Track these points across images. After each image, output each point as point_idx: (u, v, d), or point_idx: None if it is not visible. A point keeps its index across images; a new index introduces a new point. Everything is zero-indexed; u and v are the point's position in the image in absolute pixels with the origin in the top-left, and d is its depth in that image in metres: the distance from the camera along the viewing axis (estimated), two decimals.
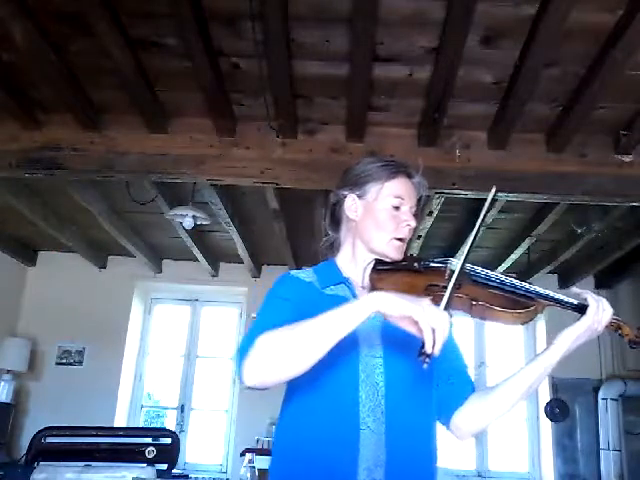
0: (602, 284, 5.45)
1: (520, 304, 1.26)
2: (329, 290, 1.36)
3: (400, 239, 1.39)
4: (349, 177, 1.46)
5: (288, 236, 4.40)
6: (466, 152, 2.98)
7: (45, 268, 5.60)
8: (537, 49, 2.30)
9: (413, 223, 1.40)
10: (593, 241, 4.28)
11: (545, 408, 5.21)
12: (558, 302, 1.29)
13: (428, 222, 3.93)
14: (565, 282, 5.49)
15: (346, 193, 1.44)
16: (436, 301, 1.21)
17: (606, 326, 1.27)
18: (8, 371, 5.03)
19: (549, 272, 5.20)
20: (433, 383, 1.36)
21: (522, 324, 1.29)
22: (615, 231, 4.18)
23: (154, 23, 2.40)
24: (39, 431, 3.81)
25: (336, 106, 2.85)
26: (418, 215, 1.44)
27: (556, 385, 5.29)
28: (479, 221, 1.33)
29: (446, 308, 1.15)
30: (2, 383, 4.97)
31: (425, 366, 1.07)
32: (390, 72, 2.60)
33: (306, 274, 1.41)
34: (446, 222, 4.31)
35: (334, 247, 1.50)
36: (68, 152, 3.00)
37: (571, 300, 1.29)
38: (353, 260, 1.43)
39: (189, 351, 5.75)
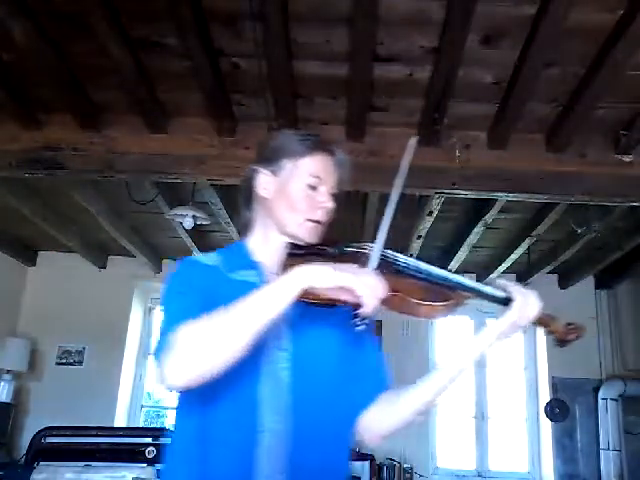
0: (602, 284, 5.45)
1: (441, 296, 1.16)
2: (237, 275, 1.23)
3: (315, 221, 1.27)
4: (263, 151, 1.34)
5: None
6: (466, 152, 2.98)
7: (45, 268, 5.60)
8: (537, 49, 2.30)
9: (330, 204, 1.28)
10: (593, 241, 4.28)
11: (545, 408, 5.22)
12: (481, 295, 1.19)
13: (428, 222, 3.93)
14: (565, 282, 5.50)
15: (259, 169, 1.31)
16: None
17: (533, 322, 1.18)
18: (8, 371, 5.02)
19: (549, 272, 5.20)
20: (345, 380, 1.25)
21: (440, 317, 1.19)
22: (615, 231, 4.18)
23: (154, 23, 2.40)
24: (39, 431, 3.82)
25: (336, 106, 2.85)
26: (337, 197, 1.31)
27: (556, 385, 5.29)
28: (395, 193, 1.22)
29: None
30: (2, 383, 4.97)
31: (361, 327, 1.03)
32: (390, 72, 2.60)
33: (211, 258, 1.27)
34: (446, 222, 4.31)
35: (245, 228, 1.36)
36: (68, 152, 3.00)
37: (495, 293, 1.19)
38: (265, 243, 1.30)
39: None
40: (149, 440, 3.88)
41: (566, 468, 5.17)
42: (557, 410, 5.17)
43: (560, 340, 1.23)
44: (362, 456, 4.85)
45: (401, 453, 5.06)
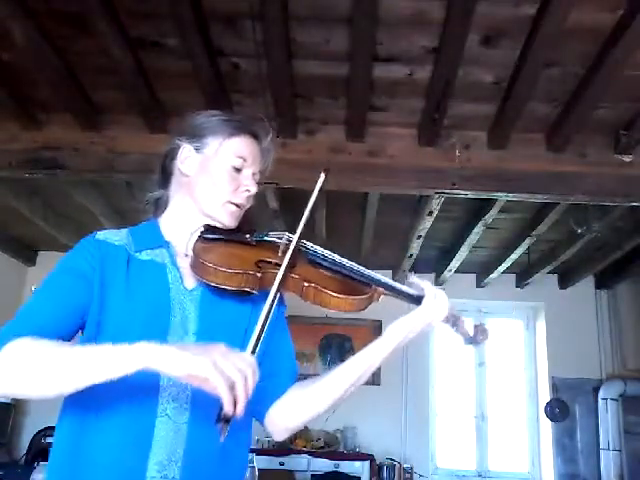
0: (602, 284, 5.45)
1: (355, 290, 1.14)
2: (145, 255, 1.17)
3: (236, 205, 1.23)
4: (189, 126, 1.28)
5: None
6: (466, 152, 2.98)
7: (45, 268, 5.48)
8: (537, 49, 2.30)
9: (253, 189, 1.24)
10: (593, 241, 4.28)
11: (545, 408, 5.22)
12: (395, 291, 1.17)
13: (428, 222, 3.93)
14: (565, 282, 5.50)
15: (182, 143, 1.26)
16: (267, 282, 1.10)
17: (442, 320, 1.17)
18: None
19: (549, 272, 5.20)
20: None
21: (354, 311, 1.15)
22: (615, 231, 4.18)
23: (154, 23, 2.40)
24: (39, 431, 3.82)
25: (336, 106, 2.85)
26: (261, 184, 1.28)
27: (556, 385, 5.29)
28: (311, 201, 1.19)
29: (278, 289, 1.05)
30: None
31: (223, 437, 0.88)
32: (390, 72, 2.60)
33: (118, 236, 1.20)
34: (446, 222, 4.31)
35: (159, 205, 1.30)
36: (68, 152, 3.00)
37: (409, 290, 1.17)
38: (179, 222, 1.24)
39: None
40: None
41: (566, 468, 5.18)
42: (557, 410, 5.17)
43: (468, 339, 1.21)
44: (362, 456, 4.86)
45: (401, 453, 5.06)
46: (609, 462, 5.02)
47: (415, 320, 1.15)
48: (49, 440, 3.82)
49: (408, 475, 4.99)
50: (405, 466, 5.01)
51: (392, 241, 4.68)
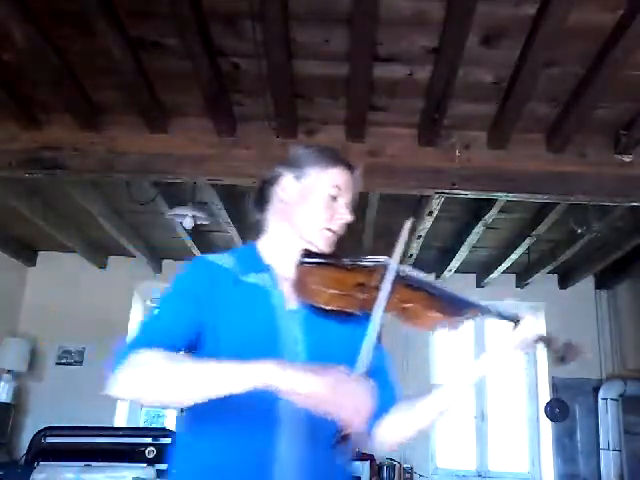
0: (602, 284, 5.45)
1: (451, 311, 1.21)
2: (250, 278, 1.25)
3: (332, 231, 1.31)
4: (289, 157, 1.37)
5: None
6: (466, 152, 2.98)
7: (45, 268, 5.60)
8: (537, 49, 2.30)
9: (349, 218, 1.32)
10: (593, 241, 4.28)
11: (545, 408, 5.22)
12: (489, 313, 1.24)
13: (428, 222, 3.93)
14: (565, 282, 5.50)
15: (283, 172, 1.34)
16: (367, 303, 1.16)
17: (535, 340, 1.25)
18: (8, 371, 5.02)
19: (549, 272, 5.20)
20: None
21: (452, 330, 1.21)
22: (615, 231, 4.18)
23: (154, 23, 2.40)
24: (39, 431, 3.82)
25: (336, 106, 2.85)
26: (352, 212, 1.35)
27: (556, 385, 5.29)
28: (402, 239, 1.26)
29: (383, 310, 1.10)
30: (2, 383, 4.97)
31: (341, 459, 0.95)
32: (390, 72, 2.60)
33: (224, 259, 1.28)
34: (446, 222, 4.31)
35: (257, 230, 1.37)
36: (68, 152, 3.00)
37: (504, 313, 1.24)
38: (278, 246, 1.32)
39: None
40: (149, 440, 3.88)
41: (566, 468, 5.17)
42: (557, 410, 5.17)
43: (560, 358, 1.28)
44: (362, 456, 4.85)
45: (401, 453, 5.05)
46: (609, 462, 5.01)
47: (517, 338, 1.23)
48: (49, 440, 3.82)
49: (408, 475, 4.99)
50: (405, 466, 5.01)
51: (392, 241, 4.67)
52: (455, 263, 4.84)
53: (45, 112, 3.00)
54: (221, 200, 3.77)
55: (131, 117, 2.96)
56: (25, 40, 2.41)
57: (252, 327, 1.17)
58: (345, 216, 1.31)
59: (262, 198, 1.37)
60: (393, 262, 1.18)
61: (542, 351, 4.63)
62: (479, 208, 3.91)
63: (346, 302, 1.18)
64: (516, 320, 1.22)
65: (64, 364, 5.37)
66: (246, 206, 4.18)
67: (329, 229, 1.30)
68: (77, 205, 4.08)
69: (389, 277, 1.15)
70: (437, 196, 3.36)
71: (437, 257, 5.09)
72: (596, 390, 5.22)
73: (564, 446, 5.22)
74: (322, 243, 1.30)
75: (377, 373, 1.27)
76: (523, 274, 5.37)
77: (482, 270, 5.32)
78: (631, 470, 4.94)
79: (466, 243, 4.40)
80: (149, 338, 1.11)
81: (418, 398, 1.28)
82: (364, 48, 2.38)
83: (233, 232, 4.39)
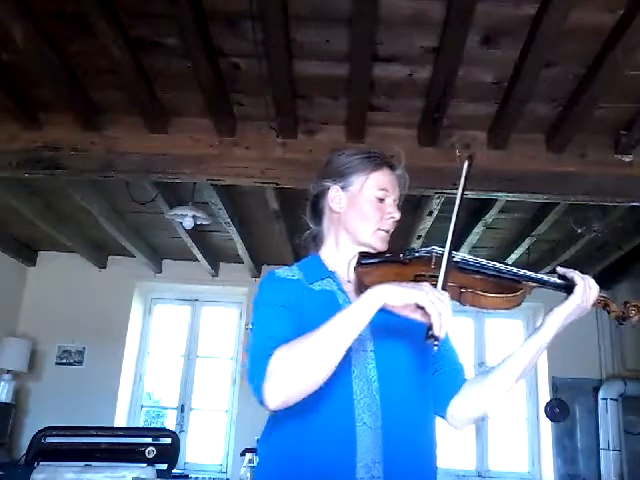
0: (602, 284, 5.41)
1: (507, 288, 1.26)
2: (316, 286, 1.34)
3: (385, 230, 1.39)
4: (332, 168, 1.44)
5: (288, 236, 4.41)
6: (466, 152, 2.98)
7: (45, 268, 5.59)
8: (537, 49, 2.30)
9: (397, 215, 1.40)
10: (593, 241, 4.28)
11: (545, 408, 5.21)
12: (545, 283, 1.30)
13: (428, 222, 3.93)
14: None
15: (329, 184, 1.41)
16: None
17: (593, 304, 1.28)
18: (8, 371, 5.02)
19: (549, 272, 5.20)
20: (427, 373, 1.34)
21: (511, 308, 1.27)
22: (615, 231, 4.18)
23: (154, 23, 2.40)
24: (39, 431, 3.81)
25: (336, 106, 2.85)
26: (400, 208, 1.44)
27: (556, 385, 5.29)
28: (458, 198, 1.32)
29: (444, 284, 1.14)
30: (2, 383, 4.97)
31: (435, 349, 1.06)
32: (390, 72, 2.60)
33: (292, 272, 1.37)
34: (446, 222, 4.28)
35: (317, 241, 1.47)
36: (68, 152, 3.00)
37: (557, 280, 1.30)
38: (337, 253, 1.41)
39: (189, 351, 5.75)
40: (149, 440, 3.88)
41: (566, 468, 5.17)
42: (557, 410, 5.17)
43: (620, 317, 1.30)
44: None
45: None
46: (609, 462, 5.01)
47: (570, 307, 1.26)
48: (49, 440, 3.81)
49: None
50: None
51: (392, 241, 4.67)
52: (475, 257, 4.82)
53: (45, 112, 3.01)
54: (221, 200, 3.77)
55: (131, 117, 2.96)
56: (25, 40, 2.41)
57: None
58: (394, 214, 1.39)
59: (316, 211, 1.46)
60: (446, 249, 1.23)
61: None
62: (479, 208, 3.91)
63: (405, 310, 1.20)
64: (570, 287, 1.26)
65: (64, 364, 5.37)
66: (247, 206, 4.18)
67: (382, 229, 1.38)
68: (77, 205, 4.09)
69: (444, 264, 1.19)
70: (437, 196, 3.36)
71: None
72: (596, 390, 5.22)
73: (564, 446, 5.22)
74: (378, 244, 1.38)
75: (445, 356, 1.39)
76: None
77: None
78: (631, 470, 4.95)
79: (466, 243, 4.40)
80: (271, 346, 1.14)
81: (486, 372, 1.34)
82: (364, 48, 2.38)
83: (233, 232, 4.39)
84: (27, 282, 5.57)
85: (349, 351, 1.18)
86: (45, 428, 3.83)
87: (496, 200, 3.45)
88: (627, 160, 2.98)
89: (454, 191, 3.00)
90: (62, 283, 5.46)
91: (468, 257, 1.33)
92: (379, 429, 1.19)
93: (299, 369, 1.10)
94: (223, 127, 2.98)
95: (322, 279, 1.35)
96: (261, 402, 1.11)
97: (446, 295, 1.08)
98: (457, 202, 1.31)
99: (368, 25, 2.26)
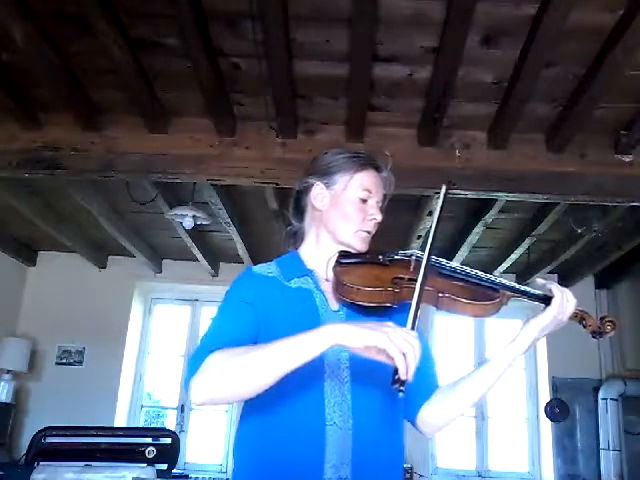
0: (602, 284, 5.45)
1: (485, 296, 1.25)
2: (293, 283, 1.33)
3: (366, 231, 1.38)
4: (317, 165, 1.43)
5: None
6: (466, 152, 2.98)
7: (45, 268, 5.59)
8: (537, 49, 2.30)
9: (379, 217, 1.39)
10: (593, 241, 4.28)
11: (545, 408, 5.21)
12: (523, 293, 1.29)
13: (428, 222, 3.93)
14: (565, 282, 5.49)
15: (313, 181, 1.41)
16: (405, 295, 1.22)
17: (570, 317, 1.27)
18: (8, 371, 5.02)
19: (549, 272, 5.20)
20: None
21: (487, 316, 1.27)
22: (615, 231, 4.18)
23: (154, 23, 2.40)
24: (39, 431, 3.82)
25: (336, 106, 2.85)
26: (383, 210, 1.42)
27: (556, 385, 5.29)
28: (436, 213, 1.32)
29: (417, 303, 1.13)
30: (2, 383, 4.97)
31: (401, 395, 1.00)
32: (390, 72, 2.60)
33: (269, 268, 1.37)
34: (446, 222, 4.31)
35: (297, 238, 1.47)
36: (68, 152, 3.00)
37: (536, 291, 1.29)
38: (317, 251, 1.40)
39: (189, 351, 5.73)
40: (149, 440, 3.88)
41: (566, 468, 5.17)
42: (557, 410, 5.17)
43: (595, 332, 1.30)
44: None
45: None
46: (609, 462, 5.01)
47: (547, 320, 1.25)
48: (49, 440, 3.81)
49: (408, 475, 4.99)
50: (405, 466, 5.01)
51: (392, 241, 4.68)
52: (455, 263, 4.83)
53: (45, 112, 3.00)
54: (221, 200, 3.77)
55: (131, 117, 2.96)
56: (25, 40, 2.41)
57: (298, 328, 1.19)
58: (376, 216, 1.38)
59: (298, 208, 1.46)
60: (426, 253, 1.22)
61: (542, 350, 4.60)
62: (479, 208, 3.90)
63: (384, 297, 1.23)
64: (548, 299, 1.25)
65: (64, 364, 5.37)
66: (247, 206, 4.18)
67: (363, 230, 1.37)
68: (77, 205, 4.08)
69: (423, 268, 1.18)
70: (437, 196, 3.36)
71: (437, 257, 5.07)
72: (596, 390, 5.22)
73: (564, 446, 5.22)
74: (358, 244, 1.37)
75: (420, 361, 1.32)
76: (523, 274, 5.37)
77: (482, 270, 5.27)
78: (631, 470, 4.94)
79: (466, 243, 4.40)
80: (216, 343, 1.15)
81: (458, 380, 1.32)
82: (364, 48, 2.38)
83: (233, 232, 4.39)
84: (27, 282, 5.57)
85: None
86: (45, 428, 3.83)
87: (496, 200, 3.45)
88: (627, 160, 2.98)
89: (454, 191, 3.02)
90: (62, 283, 5.46)
91: (447, 263, 1.32)
92: (349, 430, 1.18)
93: (228, 378, 1.09)
94: (223, 127, 2.98)
95: (300, 277, 1.34)
96: (188, 394, 1.12)
97: (412, 333, 1.04)
98: (434, 220, 1.31)
99: (368, 25, 2.26)
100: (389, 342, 0.99)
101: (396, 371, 1.00)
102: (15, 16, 2.30)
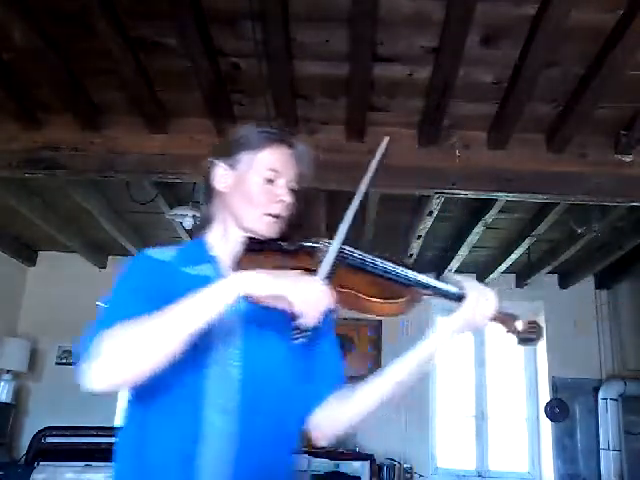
0: (602, 284, 5.45)
1: (394, 293, 1.12)
2: (192, 270, 1.21)
3: (274, 215, 1.23)
4: (222, 145, 1.32)
5: None
6: (466, 152, 2.98)
7: (45, 268, 5.59)
8: (537, 49, 2.30)
9: (288, 199, 1.24)
10: (593, 241, 4.28)
11: (545, 408, 5.22)
12: (437, 291, 1.16)
13: (428, 222, 3.93)
14: (565, 282, 5.50)
15: (217, 162, 1.27)
16: None
17: (490, 319, 1.14)
18: (8, 371, 5.03)
19: (549, 272, 5.20)
20: (297, 379, 1.21)
21: (395, 315, 1.14)
22: (615, 231, 4.18)
23: (154, 23, 2.40)
24: (39, 431, 3.81)
25: (336, 106, 2.85)
26: (296, 190, 1.28)
27: (556, 385, 5.29)
28: (369, 174, 1.24)
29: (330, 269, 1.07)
30: (2, 383, 4.97)
31: (299, 341, 0.99)
32: (390, 72, 2.60)
33: (164, 253, 1.25)
34: (446, 222, 4.31)
35: (206, 223, 1.32)
36: (68, 152, 3.00)
37: (452, 290, 1.16)
38: (224, 237, 1.27)
39: None
40: None
41: (566, 468, 5.17)
42: (557, 410, 5.17)
43: (521, 339, 1.17)
44: (362, 456, 4.85)
45: (401, 453, 5.05)
46: (609, 462, 5.01)
47: (458, 322, 1.15)
48: (49, 440, 3.81)
49: (408, 475, 4.99)
50: (405, 466, 5.00)
51: (392, 241, 4.68)
52: (455, 263, 4.84)
53: (45, 112, 3.00)
54: None
55: (131, 117, 2.96)
56: (25, 40, 2.41)
57: None
58: (284, 197, 1.24)
59: (206, 192, 1.32)
60: (335, 243, 1.12)
61: (542, 350, 4.61)
62: (479, 208, 3.91)
63: (269, 300, 1.11)
64: (460, 298, 1.14)
65: (64, 364, 5.36)
66: None
67: (270, 214, 1.23)
68: (77, 205, 4.08)
69: (327, 259, 1.09)
70: (437, 196, 3.36)
71: (437, 257, 5.09)
72: (596, 390, 5.22)
73: (564, 446, 5.22)
74: (264, 230, 1.23)
75: (319, 358, 1.26)
76: (523, 274, 5.37)
77: (482, 270, 5.32)
78: (631, 470, 4.94)
79: (466, 243, 4.40)
80: (107, 323, 1.04)
81: (361, 384, 1.22)
82: (364, 48, 2.38)
83: None
84: (27, 282, 5.57)
85: (209, 344, 1.10)
86: (45, 428, 3.83)
87: (496, 200, 3.45)
88: (627, 160, 2.98)
89: (454, 191, 3.03)
90: (62, 283, 5.45)
91: (359, 253, 1.17)
92: (234, 435, 1.08)
93: (130, 350, 0.99)
94: (223, 127, 2.97)
95: (200, 264, 1.23)
96: (84, 382, 1.02)
97: (320, 283, 1.00)
98: (363, 186, 1.21)
99: (368, 25, 2.26)
100: (294, 290, 0.98)
101: (296, 318, 0.97)
102: (15, 16, 2.30)
